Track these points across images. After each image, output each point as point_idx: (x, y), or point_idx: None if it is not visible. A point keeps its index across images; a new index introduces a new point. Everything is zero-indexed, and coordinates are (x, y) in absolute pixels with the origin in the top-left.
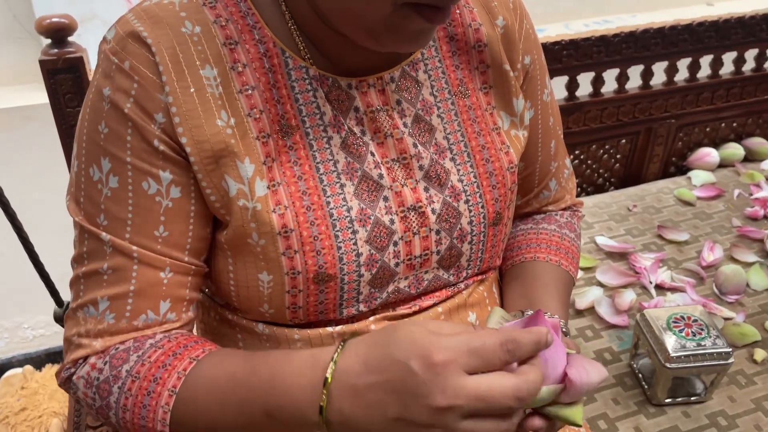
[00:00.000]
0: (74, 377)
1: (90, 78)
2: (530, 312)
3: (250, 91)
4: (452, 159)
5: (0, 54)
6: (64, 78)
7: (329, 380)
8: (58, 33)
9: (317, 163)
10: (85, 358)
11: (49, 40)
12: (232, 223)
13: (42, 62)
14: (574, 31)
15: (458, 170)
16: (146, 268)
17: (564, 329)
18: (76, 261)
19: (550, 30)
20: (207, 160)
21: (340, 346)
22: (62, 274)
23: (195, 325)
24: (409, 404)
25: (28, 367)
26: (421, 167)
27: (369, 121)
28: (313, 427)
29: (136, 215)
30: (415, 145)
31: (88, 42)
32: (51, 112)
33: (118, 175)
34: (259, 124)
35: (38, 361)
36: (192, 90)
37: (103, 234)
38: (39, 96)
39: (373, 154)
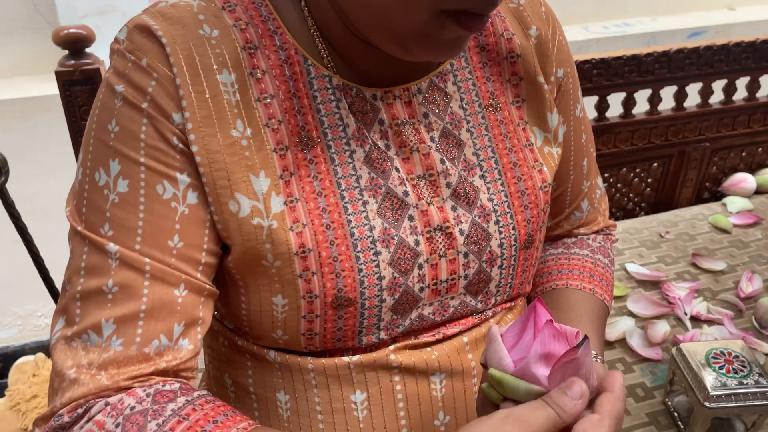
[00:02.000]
0: None
1: None
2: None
3: (268, 100)
4: (482, 176)
5: (20, 44)
6: (80, 90)
7: None
8: (76, 44)
9: (338, 178)
10: (87, 407)
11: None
12: (241, 245)
13: (58, 73)
14: (594, 34)
15: (488, 188)
16: (159, 284)
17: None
18: (71, 280)
19: (569, 33)
20: (218, 174)
21: None
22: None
23: (202, 351)
24: None
25: (40, 355)
26: (448, 185)
27: (394, 134)
28: None
29: (147, 223)
30: (442, 161)
31: (107, 34)
32: None
33: (128, 178)
34: (277, 135)
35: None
36: (207, 96)
37: (110, 245)
38: (51, 87)
39: (398, 170)
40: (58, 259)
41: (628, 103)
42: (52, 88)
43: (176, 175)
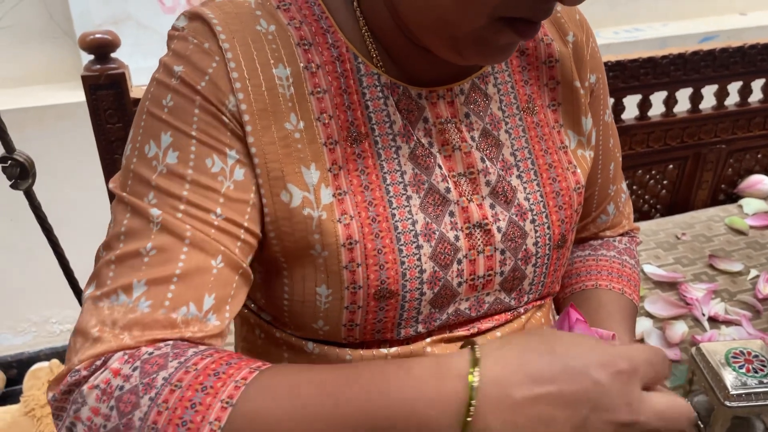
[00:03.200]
0: (85, 387)
1: (131, 95)
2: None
3: (321, 94)
4: (519, 176)
5: (36, 53)
6: (105, 94)
7: (475, 390)
8: (101, 49)
9: (384, 173)
10: (106, 359)
11: (91, 56)
12: (291, 234)
13: (84, 78)
14: (605, 39)
15: (525, 188)
16: (197, 251)
17: None
18: (108, 246)
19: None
20: (272, 165)
21: (474, 350)
22: (90, 271)
23: (235, 344)
24: (588, 418)
25: (55, 361)
26: (487, 183)
27: (437, 132)
28: None
29: (192, 193)
30: (482, 160)
31: (123, 43)
32: (85, 111)
33: (178, 150)
34: (328, 129)
35: (65, 355)
36: (263, 89)
37: (153, 210)
38: (74, 95)
39: (440, 167)
40: (76, 266)
41: (644, 105)
42: (70, 96)
43: (226, 150)
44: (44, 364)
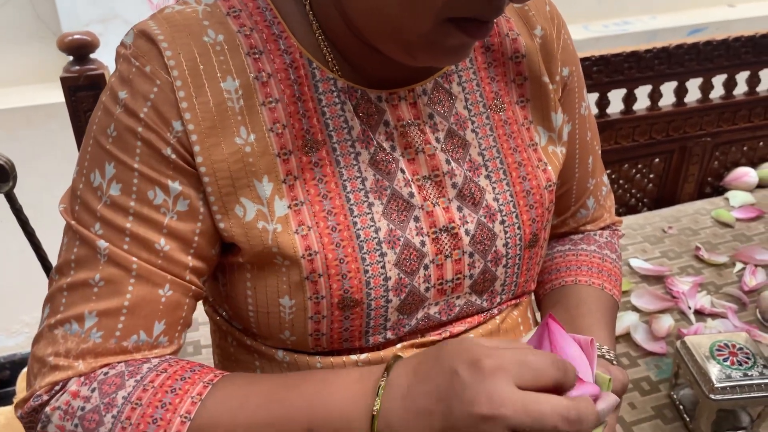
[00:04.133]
0: (48, 408)
1: None
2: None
3: (273, 104)
4: (487, 176)
5: (24, 53)
6: (85, 95)
7: (382, 388)
8: (81, 50)
9: (344, 180)
10: (64, 384)
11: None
12: (250, 249)
13: (63, 79)
14: (594, 33)
15: (494, 188)
16: (144, 283)
17: (613, 360)
18: (60, 271)
19: (569, 32)
20: (223, 182)
21: (393, 361)
22: None
23: (211, 351)
24: (454, 411)
25: None
26: (454, 185)
27: (399, 136)
28: None
29: (136, 226)
30: (447, 162)
31: (108, 41)
32: None
33: (121, 183)
34: (281, 139)
35: None
36: (211, 105)
37: (100, 241)
38: (61, 94)
39: (403, 171)
40: None
41: (629, 100)
42: (57, 96)
43: (168, 183)
44: None
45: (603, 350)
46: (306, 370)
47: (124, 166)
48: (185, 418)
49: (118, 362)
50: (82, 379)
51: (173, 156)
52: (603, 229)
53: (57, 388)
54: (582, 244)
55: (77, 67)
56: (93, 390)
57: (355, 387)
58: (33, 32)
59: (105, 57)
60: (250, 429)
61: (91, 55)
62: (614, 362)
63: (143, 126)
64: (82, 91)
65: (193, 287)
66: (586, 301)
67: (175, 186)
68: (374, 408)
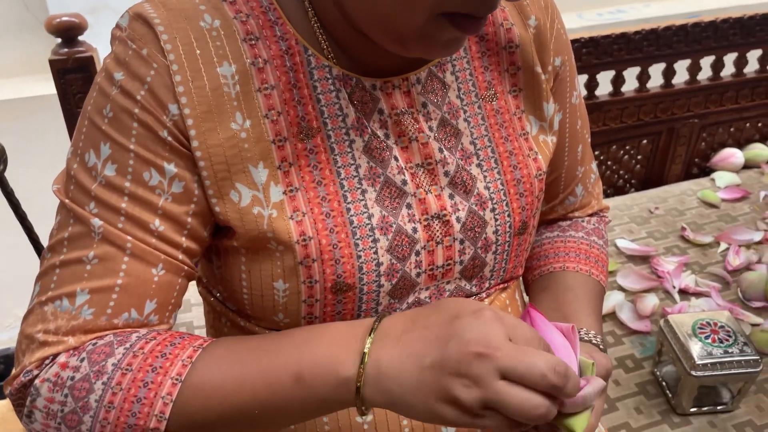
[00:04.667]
0: (37, 380)
1: None
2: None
3: (269, 91)
4: (479, 165)
5: (12, 44)
6: (74, 78)
7: (374, 331)
8: (69, 32)
9: (338, 167)
10: (53, 358)
11: (59, 39)
12: (245, 233)
13: (52, 62)
14: (588, 21)
15: (485, 177)
16: (137, 262)
17: (600, 344)
18: (53, 249)
19: (563, 20)
20: (218, 167)
21: (384, 314)
22: None
23: (206, 331)
24: (449, 349)
25: None
26: (446, 173)
27: (393, 124)
28: (346, 384)
29: (131, 206)
30: (440, 150)
31: (99, 32)
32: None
33: (117, 163)
34: (276, 126)
35: None
36: (207, 90)
37: (95, 219)
38: (51, 86)
39: (396, 159)
40: None
41: (617, 81)
42: (48, 88)
43: (164, 165)
44: None
45: (590, 335)
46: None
47: (119, 147)
48: (176, 379)
49: (109, 333)
50: (71, 351)
51: (169, 138)
52: (591, 215)
53: (47, 362)
54: (570, 230)
55: (66, 50)
56: (82, 360)
57: (345, 332)
58: (22, 24)
59: (95, 44)
60: (240, 381)
61: (80, 38)
62: (601, 347)
63: (140, 108)
64: (71, 73)
65: (186, 267)
66: (573, 287)
67: (171, 168)
68: (365, 348)
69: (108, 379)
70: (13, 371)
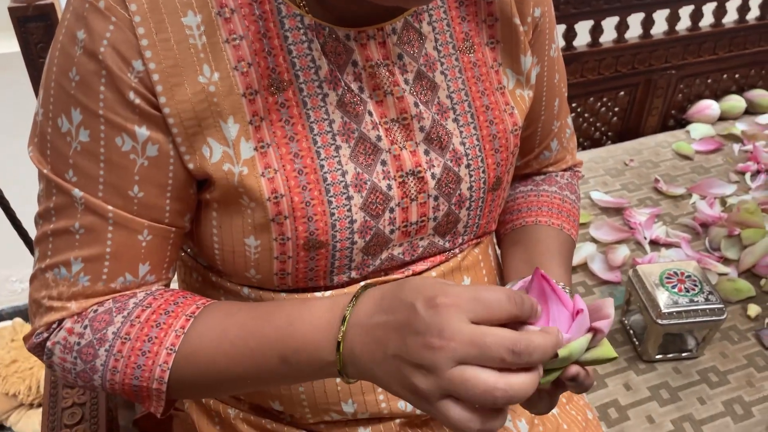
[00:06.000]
0: (48, 343)
1: None
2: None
3: (237, 41)
4: (455, 120)
5: None
6: (35, 26)
7: (347, 318)
8: None
9: (311, 122)
10: (60, 321)
11: None
12: (218, 189)
13: (11, 9)
14: None
15: (461, 132)
16: (122, 230)
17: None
18: (43, 216)
19: None
20: (188, 122)
21: (361, 291)
22: None
23: (178, 285)
24: (407, 341)
25: (18, 320)
26: (422, 129)
27: (368, 76)
28: (328, 367)
29: (108, 173)
30: (416, 105)
31: None
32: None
33: (89, 129)
34: (247, 79)
35: (27, 313)
36: (172, 42)
37: (75, 190)
38: (13, 44)
39: (371, 114)
40: (28, 222)
41: (596, 32)
42: (8, 46)
43: (135, 129)
44: (7, 323)
45: (560, 285)
46: (278, 301)
47: (89, 113)
48: (170, 350)
49: (108, 300)
50: (75, 317)
51: (137, 101)
52: (564, 170)
53: (54, 326)
54: (543, 185)
55: None
56: (85, 327)
57: (324, 317)
58: None
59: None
60: (230, 361)
61: None
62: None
63: (104, 69)
64: (32, 22)
65: (175, 228)
66: (545, 240)
67: (143, 131)
68: (338, 337)
69: (109, 346)
70: (28, 331)
